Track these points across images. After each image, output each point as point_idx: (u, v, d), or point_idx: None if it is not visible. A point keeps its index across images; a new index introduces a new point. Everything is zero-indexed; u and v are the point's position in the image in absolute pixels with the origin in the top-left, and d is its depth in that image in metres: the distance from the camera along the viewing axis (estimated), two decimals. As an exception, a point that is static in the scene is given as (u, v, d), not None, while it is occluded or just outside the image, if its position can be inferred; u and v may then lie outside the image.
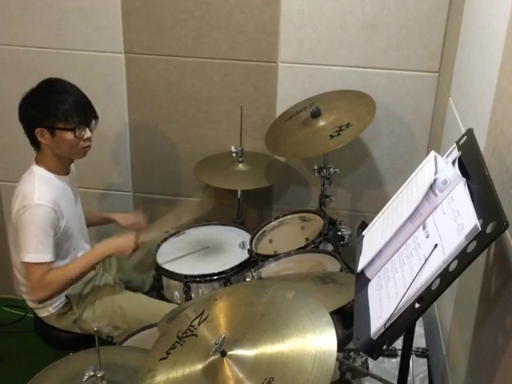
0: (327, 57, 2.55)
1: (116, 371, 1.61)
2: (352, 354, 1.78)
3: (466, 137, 1.42)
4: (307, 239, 2.40)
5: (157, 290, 2.44)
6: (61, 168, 2.20)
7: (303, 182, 2.80)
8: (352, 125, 2.30)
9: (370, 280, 1.40)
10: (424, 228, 1.30)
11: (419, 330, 2.08)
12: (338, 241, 2.44)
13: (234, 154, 2.61)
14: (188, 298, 2.31)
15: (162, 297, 2.40)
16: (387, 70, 2.54)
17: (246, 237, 2.50)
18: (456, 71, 2.17)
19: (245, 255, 2.38)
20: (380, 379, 1.64)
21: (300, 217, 2.53)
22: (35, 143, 2.15)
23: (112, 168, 2.93)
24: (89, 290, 2.30)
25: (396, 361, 1.88)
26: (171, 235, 2.59)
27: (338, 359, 1.62)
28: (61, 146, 2.13)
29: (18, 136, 2.25)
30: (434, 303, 2.08)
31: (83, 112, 2.12)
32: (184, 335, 1.42)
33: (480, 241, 1.09)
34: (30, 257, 2.08)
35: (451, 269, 1.13)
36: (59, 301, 2.25)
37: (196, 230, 2.64)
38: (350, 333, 1.72)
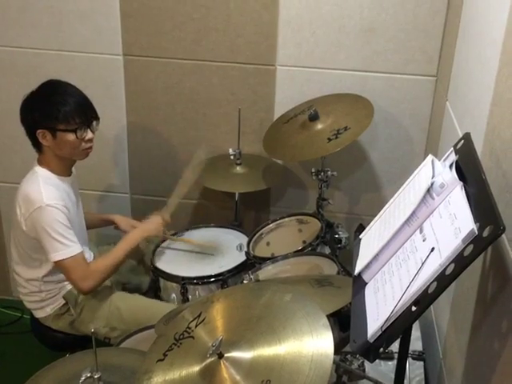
0: (325, 60, 2.56)
1: (113, 372, 1.61)
2: (349, 356, 1.78)
3: (463, 141, 1.43)
4: (304, 242, 2.40)
5: (154, 292, 2.44)
6: (63, 169, 2.20)
7: (301, 185, 2.81)
8: (350, 128, 2.31)
9: (366, 283, 1.41)
10: (421, 231, 1.31)
11: (416, 332, 2.08)
12: (335, 244, 2.44)
13: (231, 157, 2.61)
14: (185, 299, 2.32)
15: (158, 298, 2.40)
16: (385, 74, 2.55)
17: (244, 239, 2.51)
18: (453, 75, 2.18)
19: (242, 257, 2.38)
20: (376, 382, 1.64)
21: (297, 219, 2.53)
22: (37, 145, 2.16)
23: (110, 170, 2.93)
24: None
25: (392, 364, 1.89)
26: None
27: (334, 362, 1.63)
28: (62, 148, 2.13)
29: (16, 137, 2.25)
30: (431, 306, 2.08)
31: (84, 113, 2.13)
32: (181, 337, 1.42)
33: (477, 244, 1.09)
34: (61, 254, 2.09)
35: (448, 272, 1.13)
36: (57, 302, 2.25)
37: (194, 232, 2.65)
38: (346, 335, 1.72)
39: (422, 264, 1.20)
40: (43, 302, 2.26)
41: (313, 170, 2.52)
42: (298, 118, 2.49)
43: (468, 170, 1.31)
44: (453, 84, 2.18)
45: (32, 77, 2.54)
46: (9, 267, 2.94)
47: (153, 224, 2.39)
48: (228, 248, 2.51)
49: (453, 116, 2.08)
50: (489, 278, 1.42)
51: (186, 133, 2.79)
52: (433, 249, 1.20)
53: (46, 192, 2.09)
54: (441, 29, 2.44)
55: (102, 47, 2.68)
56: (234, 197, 2.71)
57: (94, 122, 2.18)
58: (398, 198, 1.49)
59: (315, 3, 2.48)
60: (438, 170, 1.37)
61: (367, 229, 1.57)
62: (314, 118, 2.39)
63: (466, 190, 1.25)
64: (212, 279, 2.31)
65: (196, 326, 1.42)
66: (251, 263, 2.32)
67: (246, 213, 2.88)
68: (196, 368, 1.33)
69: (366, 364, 1.78)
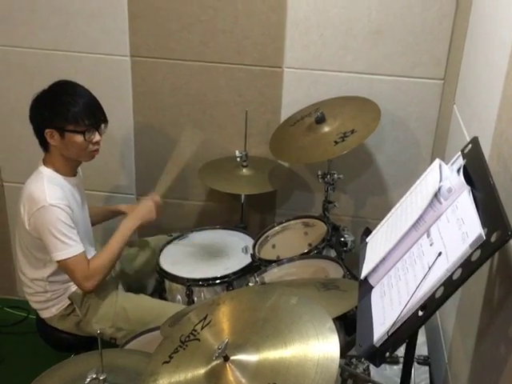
0: (332, 63, 2.56)
1: (118, 374, 1.61)
2: (354, 360, 1.78)
3: (470, 145, 1.42)
4: (310, 245, 2.40)
5: (159, 293, 2.44)
6: (68, 170, 2.21)
7: (307, 188, 2.80)
8: (356, 131, 2.31)
9: (373, 287, 1.41)
10: (428, 236, 1.30)
11: (421, 337, 2.07)
12: (341, 247, 2.44)
13: (238, 159, 2.61)
14: (190, 301, 2.32)
15: (164, 300, 2.40)
16: (392, 77, 2.54)
17: (249, 241, 2.51)
18: (461, 79, 2.18)
19: (247, 260, 2.38)
20: (381, 386, 1.64)
21: (303, 222, 2.53)
22: (44, 144, 2.16)
23: (116, 170, 2.93)
24: (92, 291, 2.31)
25: (398, 368, 1.88)
26: (174, 238, 2.59)
27: (339, 365, 1.62)
28: (70, 148, 2.13)
29: (23, 137, 2.26)
30: (437, 311, 2.08)
31: (94, 115, 2.13)
32: (187, 339, 1.42)
33: (484, 250, 1.09)
34: (63, 254, 2.10)
35: (455, 277, 1.13)
36: (62, 302, 2.25)
37: (199, 233, 2.65)
38: (351, 339, 1.72)
39: (429, 269, 1.20)
40: (49, 302, 2.26)
41: (319, 173, 2.51)
42: (304, 120, 2.49)
43: (476, 174, 1.31)
44: (460, 87, 2.18)
45: (40, 77, 2.55)
46: (14, 267, 2.95)
47: (144, 209, 2.33)
48: (234, 250, 2.51)
49: (460, 120, 2.07)
50: (496, 283, 1.42)
51: (193, 134, 2.79)
52: (440, 253, 1.20)
53: (49, 191, 2.09)
54: (449, 32, 2.43)
55: (110, 48, 2.69)
56: (240, 199, 2.71)
57: (103, 125, 2.18)
58: (405, 201, 1.48)
59: (323, 6, 2.48)
60: (445, 174, 1.37)
61: (374, 232, 1.57)
62: (320, 120, 2.39)
63: (473, 194, 1.25)
64: (217, 281, 2.31)
65: (202, 329, 1.42)
66: (257, 265, 2.32)
67: (252, 215, 2.87)
68: (202, 370, 1.33)
69: (372, 368, 1.77)
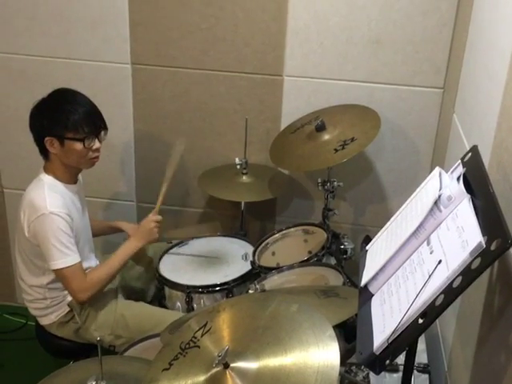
0: (332, 71, 2.57)
1: (118, 381, 1.60)
2: (353, 368, 1.78)
3: (470, 153, 1.43)
4: (310, 252, 2.40)
5: (159, 300, 2.44)
6: (69, 177, 2.21)
7: (307, 195, 2.81)
8: (356, 139, 2.31)
9: (373, 295, 1.41)
10: (428, 244, 1.31)
11: (421, 345, 2.07)
12: (341, 254, 2.44)
13: (238, 166, 2.62)
14: (190, 308, 2.32)
15: (163, 307, 2.40)
16: (392, 85, 2.55)
17: (249, 249, 2.51)
18: (461, 87, 2.18)
19: (247, 267, 2.38)
20: (381, 394, 1.63)
21: (303, 230, 2.53)
22: (44, 152, 2.17)
23: (116, 178, 2.94)
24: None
25: (397, 376, 1.87)
26: (174, 246, 2.59)
27: (339, 373, 1.62)
28: (69, 156, 2.14)
29: (23, 144, 2.26)
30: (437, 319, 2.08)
31: (93, 123, 2.14)
32: (187, 346, 1.42)
33: (484, 258, 1.09)
34: (59, 263, 2.10)
35: (455, 285, 1.13)
36: (61, 309, 2.25)
37: (199, 241, 2.65)
38: (351, 347, 1.72)
39: (429, 276, 1.20)
40: (48, 309, 2.26)
41: (319, 181, 2.52)
42: (304, 128, 2.49)
43: (475, 182, 1.31)
44: (460, 96, 2.19)
45: (40, 85, 2.56)
46: (14, 273, 2.95)
47: (147, 231, 2.33)
48: (233, 257, 2.51)
49: (460, 128, 2.08)
50: (495, 291, 1.42)
51: (193, 142, 2.79)
52: (440, 261, 1.20)
53: (50, 199, 2.09)
54: (448, 41, 2.45)
55: (111, 56, 2.70)
56: (240, 206, 2.71)
57: (102, 132, 2.19)
58: (405, 209, 1.49)
59: (323, 14, 2.49)
60: (445, 183, 1.37)
61: (374, 240, 1.57)
62: (320, 128, 2.39)
63: (473, 202, 1.25)
64: (217, 288, 2.31)
65: (202, 336, 1.42)
66: (256, 273, 2.32)
67: (252, 222, 2.88)
68: (202, 378, 1.33)
69: (371, 376, 1.77)
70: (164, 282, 2.38)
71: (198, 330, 1.45)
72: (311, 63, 2.57)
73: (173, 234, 2.67)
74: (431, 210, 1.33)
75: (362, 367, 1.78)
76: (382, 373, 1.85)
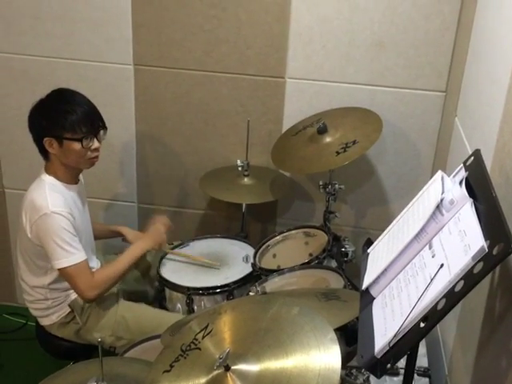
0: (335, 74, 2.57)
1: (118, 383, 1.60)
2: (354, 371, 1.78)
3: (473, 157, 1.43)
4: (311, 255, 2.40)
5: (159, 302, 2.44)
6: (69, 177, 2.21)
7: (308, 198, 2.81)
8: (358, 142, 2.31)
9: (374, 298, 1.41)
10: (430, 247, 1.31)
11: (422, 349, 2.07)
12: (342, 257, 2.44)
13: (239, 168, 2.62)
14: (190, 310, 2.31)
15: (164, 309, 2.40)
16: (394, 89, 2.55)
17: (250, 251, 2.50)
18: (463, 91, 2.19)
19: (248, 269, 2.38)
20: (382, 397, 1.63)
21: (304, 232, 2.53)
22: (44, 152, 2.17)
23: (117, 178, 2.94)
24: (92, 299, 2.31)
25: (398, 379, 1.88)
26: (175, 247, 2.59)
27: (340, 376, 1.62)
28: (68, 156, 2.14)
29: (25, 144, 2.26)
30: (437, 322, 2.07)
31: (91, 123, 2.13)
32: (188, 348, 1.42)
33: (487, 262, 1.09)
34: (64, 262, 2.09)
35: (457, 289, 1.13)
36: (62, 310, 2.25)
37: (200, 242, 2.64)
38: (352, 350, 1.72)
39: (431, 280, 1.20)
40: (49, 309, 2.26)
41: (320, 183, 2.52)
42: (306, 130, 2.49)
43: (478, 186, 1.31)
44: (462, 100, 2.19)
45: (43, 85, 2.56)
46: (15, 274, 2.95)
47: (156, 234, 2.38)
48: (234, 259, 2.50)
49: (462, 132, 2.08)
50: (497, 295, 1.42)
51: (195, 143, 2.79)
52: (442, 265, 1.20)
53: (51, 199, 2.09)
54: (451, 45, 2.45)
55: (113, 57, 2.70)
56: (241, 208, 2.71)
57: (101, 132, 2.18)
58: (407, 213, 1.49)
59: (326, 17, 2.49)
60: (447, 186, 1.37)
61: (375, 243, 1.57)
62: (322, 131, 2.39)
63: (475, 206, 1.25)
64: (218, 290, 2.31)
65: (203, 338, 1.42)
66: (257, 275, 2.32)
67: (253, 224, 2.88)
68: (202, 380, 1.33)
69: (372, 379, 1.77)
70: (165, 283, 2.38)
71: (199, 332, 1.45)
72: (313, 65, 2.58)
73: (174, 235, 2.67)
74: (433, 213, 1.33)
75: (363, 370, 1.77)
76: (383, 376, 1.85)
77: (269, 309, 1.43)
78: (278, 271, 2.25)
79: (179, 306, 2.36)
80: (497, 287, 1.42)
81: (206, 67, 2.66)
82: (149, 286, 2.56)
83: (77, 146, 2.11)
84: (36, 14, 2.67)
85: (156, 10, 2.60)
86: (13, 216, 2.98)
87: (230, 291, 2.31)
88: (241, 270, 2.40)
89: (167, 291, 2.39)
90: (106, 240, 2.65)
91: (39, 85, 2.68)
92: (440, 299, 1.15)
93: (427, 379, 1.94)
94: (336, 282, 2.14)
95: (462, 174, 1.39)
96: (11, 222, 3.02)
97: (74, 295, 2.23)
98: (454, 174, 1.43)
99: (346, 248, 2.45)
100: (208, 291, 2.31)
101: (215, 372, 1.31)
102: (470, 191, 1.30)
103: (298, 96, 2.64)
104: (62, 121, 2.08)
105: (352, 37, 2.50)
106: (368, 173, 2.72)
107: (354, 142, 2.32)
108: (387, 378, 1.90)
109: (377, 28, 2.47)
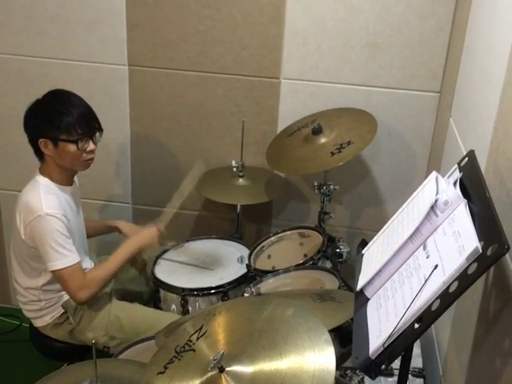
0: (330, 74, 2.57)
1: (112, 384, 1.60)
2: (348, 372, 1.78)
3: (467, 158, 1.43)
4: (306, 255, 2.40)
5: (154, 303, 2.43)
6: (64, 179, 2.20)
7: (303, 199, 2.81)
8: (353, 142, 2.31)
9: (369, 299, 1.40)
10: (424, 248, 1.31)
11: (416, 349, 2.07)
12: (337, 258, 2.44)
13: (234, 169, 2.61)
14: (185, 311, 2.31)
15: (159, 309, 2.39)
16: (389, 89, 2.56)
17: (245, 251, 2.50)
18: (457, 92, 2.19)
19: (243, 270, 2.38)
20: (376, 398, 1.63)
21: (299, 233, 2.53)
22: (39, 154, 2.16)
23: (112, 179, 2.93)
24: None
25: (393, 380, 1.88)
26: (169, 248, 2.59)
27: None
28: (63, 158, 2.13)
29: (19, 145, 2.26)
30: (432, 323, 2.07)
31: (87, 124, 2.13)
32: (182, 350, 1.41)
33: (481, 263, 1.09)
34: (58, 264, 2.09)
35: (451, 290, 1.13)
36: (56, 311, 2.24)
37: (194, 243, 2.64)
38: (346, 351, 1.71)
39: (426, 281, 1.20)
40: (42, 310, 2.25)
41: (315, 184, 2.52)
42: (301, 131, 2.49)
43: (472, 187, 1.32)
44: (456, 100, 2.19)
45: (37, 85, 2.56)
46: (8, 275, 2.93)
47: (149, 235, 2.37)
48: (229, 260, 2.50)
49: (456, 132, 2.08)
50: (491, 296, 1.42)
51: (190, 144, 2.79)
52: (436, 266, 1.20)
53: (46, 201, 2.09)
54: (445, 45, 2.45)
55: (108, 57, 2.69)
56: (236, 209, 2.70)
57: (97, 134, 2.18)
58: (402, 213, 1.49)
59: (321, 17, 2.49)
60: (442, 187, 1.37)
61: (370, 244, 1.57)
62: (317, 131, 2.39)
63: (470, 207, 1.25)
64: (212, 291, 2.31)
65: (197, 339, 1.42)
66: (252, 276, 2.31)
67: (248, 225, 2.87)
68: (197, 381, 1.32)
69: (366, 380, 1.77)
70: (159, 284, 2.37)
71: (194, 333, 1.45)
72: (308, 66, 2.58)
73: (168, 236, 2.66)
74: (428, 214, 1.33)
75: (357, 371, 1.77)
76: (377, 377, 1.85)
77: (263, 310, 1.42)
78: (273, 272, 2.24)
79: (174, 306, 2.35)
80: (491, 288, 1.42)
81: (200, 68, 2.65)
82: (144, 286, 2.55)
83: (72, 147, 2.11)
84: (30, 14, 2.66)
85: (150, 10, 2.59)
86: (7, 217, 2.97)
87: (224, 292, 2.31)
88: (235, 270, 2.40)
89: (162, 292, 2.38)
90: (100, 241, 2.65)
91: (33, 85, 2.68)
92: (434, 300, 1.15)
93: (422, 380, 1.95)
94: (331, 282, 2.14)
95: (457, 174, 1.39)
96: (5, 223, 3.01)
97: (67, 296, 2.22)
98: (448, 174, 1.43)
99: (340, 249, 2.45)
100: (203, 292, 2.31)
101: (209, 373, 1.30)
102: (464, 192, 1.30)
103: (293, 96, 2.63)
104: (58, 122, 2.08)
105: (347, 37, 2.51)
106: (363, 173, 2.72)
107: (349, 143, 2.32)
108: (382, 378, 1.90)
109: (371, 29, 2.48)
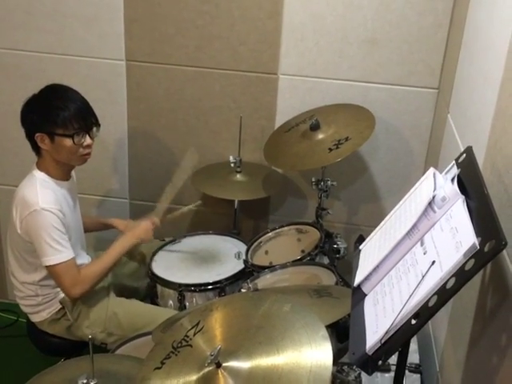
0: (328, 70, 2.57)
1: (109, 379, 1.60)
2: (345, 367, 1.77)
3: (465, 155, 1.43)
4: (303, 251, 2.40)
5: (151, 298, 2.43)
6: (61, 174, 2.20)
7: (300, 194, 2.81)
8: (351, 138, 2.31)
9: (366, 295, 1.40)
10: (422, 244, 1.31)
11: (413, 345, 2.07)
12: (334, 254, 2.44)
13: (232, 164, 2.61)
14: (182, 306, 2.31)
15: (156, 305, 2.39)
16: (387, 85, 2.56)
17: (242, 247, 2.50)
18: (455, 88, 2.19)
19: (240, 265, 2.38)
20: (373, 394, 1.63)
21: (296, 229, 2.53)
22: (36, 148, 2.16)
23: (109, 175, 2.93)
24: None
25: (389, 376, 1.88)
26: (167, 243, 2.59)
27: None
28: (60, 152, 2.13)
29: (16, 140, 2.25)
30: (429, 319, 2.07)
31: (84, 119, 2.12)
32: (179, 345, 1.41)
33: (478, 259, 1.09)
34: (52, 259, 2.09)
35: (448, 286, 1.13)
36: (53, 306, 2.24)
37: (192, 238, 2.64)
38: (343, 346, 1.72)
39: (423, 277, 1.20)
40: (39, 306, 2.25)
41: (313, 180, 2.52)
42: (299, 127, 2.49)
43: (470, 184, 1.31)
44: (455, 97, 2.19)
45: (35, 80, 2.54)
46: (5, 270, 2.93)
47: (143, 230, 2.37)
48: (226, 256, 2.50)
49: (454, 129, 2.08)
50: (488, 292, 1.42)
51: (187, 139, 2.79)
52: (433, 262, 1.20)
53: (42, 196, 2.08)
54: (443, 42, 2.45)
55: (105, 52, 2.69)
56: (234, 204, 2.70)
57: (94, 129, 2.17)
58: (399, 209, 1.49)
59: (319, 13, 2.49)
60: (439, 183, 1.37)
61: (367, 240, 1.57)
62: (315, 127, 2.39)
63: (467, 204, 1.25)
64: (210, 287, 2.31)
65: (194, 335, 1.42)
66: (249, 271, 2.32)
67: (245, 221, 2.87)
68: (194, 377, 1.32)
69: (363, 375, 1.77)
70: (156, 279, 2.37)
71: (191, 328, 1.45)
72: (306, 62, 2.57)
73: (166, 231, 2.66)
74: (425, 210, 1.33)
75: (354, 367, 1.77)
76: (374, 373, 1.85)
77: (260, 306, 1.42)
78: (270, 268, 2.24)
79: (171, 302, 2.36)
80: (488, 284, 1.42)
81: (198, 63, 2.65)
82: (142, 281, 2.55)
83: (68, 142, 2.10)
84: (28, 9, 2.65)
85: (148, 5, 2.58)
86: (4, 212, 2.96)
87: (221, 288, 2.31)
88: (233, 266, 2.40)
89: (159, 288, 2.38)
90: (97, 236, 2.65)
91: (31, 80, 2.67)
92: (431, 296, 1.15)
93: (418, 375, 1.95)
94: (328, 278, 2.14)
95: (454, 171, 1.39)
96: (2, 217, 3.00)
97: (64, 292, 2.23)
98: (446, 171, 1.43)
99: (338, 245, 2.45)
100: (200, 288, 2.31)
101: (206, 369, 1.30)
102: (462, 188, 1.30)
103: (291, 92, 2.63)
104: (54, 116, 2.07)
105: (345, 33, 2.50)
106: (360, 169, 2.72)
107: (347, 139, 2.32)
108: (379, 374, 1.90)
109: (370, 25, 2.47)
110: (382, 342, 1.20)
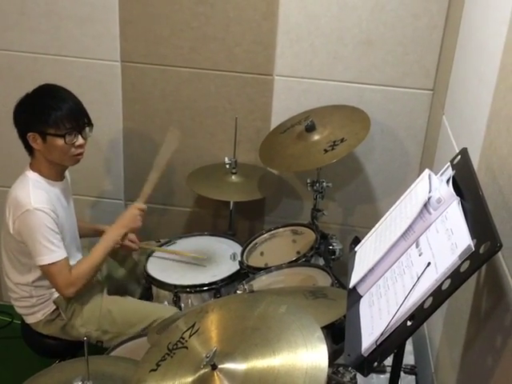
0: (323, 71, 2.57)
1: (104, 381, 1.60)
2: (341, 369, 1.77)
3: (460, 156, 1.43)
4: (298, 253, 2.40)
5: (146, 300, 2.42)
6: (54, 174, 2.20)
7: (296, 196, 2.81)
8: (346, 140, 2.31)
9: (361, 296, 1.41)
10: (417, 246, 1.31)
11: (408, 346, 2.07)
12: (330, 255, 2.44)
13: (227, 166, 2.61)
14: (177, 308, 2.30)
15: (150, 303, 2.39)
16: (382, 87, 2.56)
17: (238, 248, 2.50)
18: (450, 90, 2.19)
19: (235, 267, 2.38)
20: (369, 395, 1.63)
21: (292, 230, 2.53)
22: (28, 148, 2.16)
23: (104, 176, 2.92)
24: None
25: (385, 377, 1.88)
26: (162, 245, 2.58)
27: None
28: (52, 152, 2.12)
29: (10, 141, 2.24)
30: (424, 320, 2.08)
31: (76, 119, 2.12)
32: (174, 347, 1.41)
33: (473, 261, 1.09)
34: (45, 259, 2.08)
35: (444, 287, 1.13)
36: (48, 307, 2.23)
37: (187, 240, 2.64)
38: (339, 348, 1.72)
39: (418, 279, 1.20)
40: (34, 307, 2.24)
41: (308, 181, 2.52)
42: (294, 128, 2.49)
43: (465, 185, 1.32)
44: (450, 98, 2.19)
45: (29, 81, 2.52)
46: (0, 271, 2.92)
47: (129, 218, 2.32)
48: (221, 257, 2.50)
49: (449, 130, 2.09)
50: (483, 293, 1.43)
51: (182, 140, 2.77)
52: (429, 264, 1.20)
53: (34, 196, 2.08)
54: (438, 43, 2.45)
55: (101, 53, 2.68)
56: (229, 206, 2.70)
57: (87, 129, 2.17)
58: (395, 211, 1.49)
59: (314, 14, 2.49)
60: (434, 185, 1.37)
61: (363, 241, 1.57)
62: (310, 128, 2.39)
63: (462, 205, 1.25)
64: (205, 288, 2.31)
65: (190, 337, 1.42)
66: (245, 273, 2.31)
67: (241, 222, 2.87)
68: (189, 379, 1.32)
69: (359, 377, 1.77)
70: (152, 281, 2.37)
71: (186, 330, 1.44)
72: (302, 63, 2.57)
73: (161, 233, 2.66)
74: (420, 212, 1.33)
75: (350, 368, 1.77)
76: (370, 374, 1.85)
77: (256, 307, 1.42)
78: (266, 269, 2.24)
79: (166, 303, 2.35)
80: (483, 285, 1.42)
81: (193, 64, 2.65)
82: (135, 284, 2.55)
83: (60, 141, 2.10)
84: (22, 9, 2.64)
85: (143, 6, 2.58)
86: (-2, 213, 2.96)
87: (217, 289, 2.31)
88: (228, 267, 2.40)
89: (154, 289, 2.38)
90: (93, 238, 2.63)
91: (25, 81, 2.66)
92: (427, 298, 1.16)
93: (414, 377, 1.95)
94: (323, 280, 2.14)
95: (449, 172, 1.39)
96: (-4, 219, 3.00)
97: (58, 292, 2.22)
98: (441, 172, 1.43)
99: (333, 246, 2.45)
100: (195, 289, 2.31)
101: (202, 371, 1.30)
102: (457, 190, 1.30)
103: (286, 93, 2.63)
104: (46, 116, 2.07)
105: (340, 34, 2.50)
106: (356, 171, 2.72)
107: (342, 140, 2.32)
108: (374, 375, 1.90)
109: (365, 26, 2.47)
110: (378, 343, 1.21)
